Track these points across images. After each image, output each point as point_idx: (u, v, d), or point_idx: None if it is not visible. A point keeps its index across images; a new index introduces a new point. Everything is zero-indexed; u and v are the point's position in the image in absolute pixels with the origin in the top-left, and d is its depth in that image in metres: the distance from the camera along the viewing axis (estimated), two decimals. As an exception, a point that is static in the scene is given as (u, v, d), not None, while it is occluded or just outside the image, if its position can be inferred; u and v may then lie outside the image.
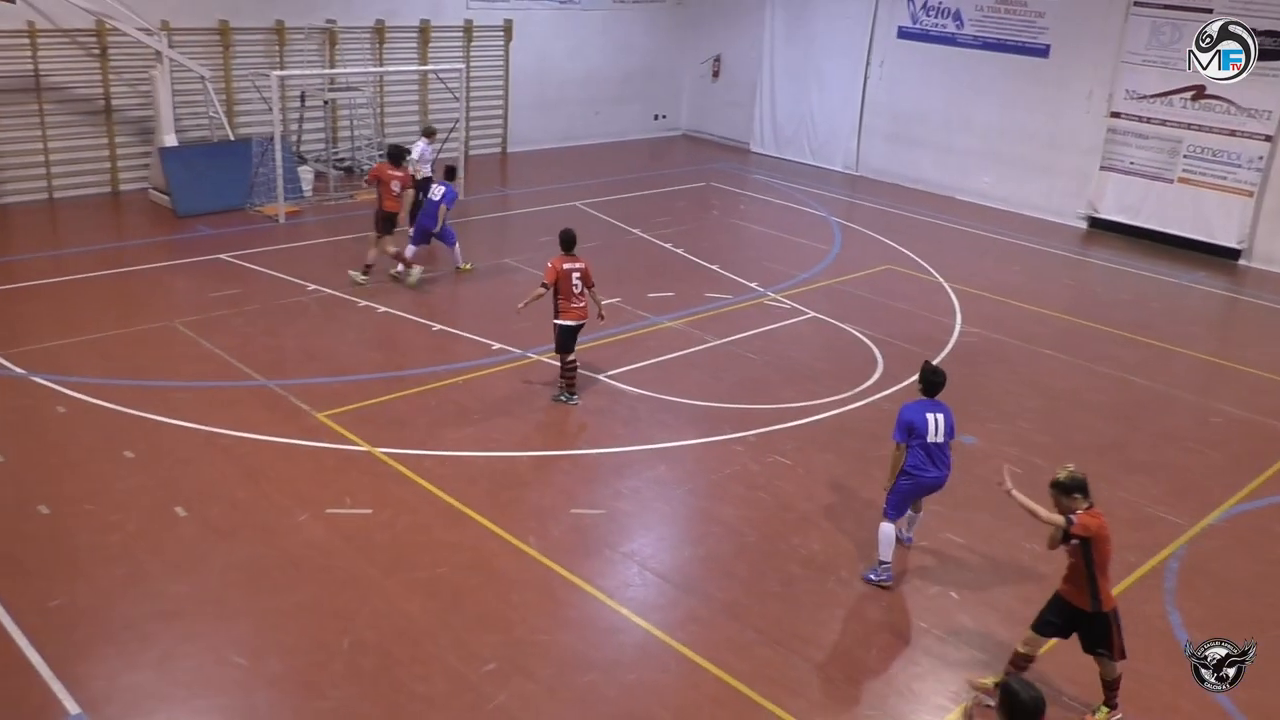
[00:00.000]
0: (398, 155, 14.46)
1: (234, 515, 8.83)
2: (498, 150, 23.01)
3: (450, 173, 15.01)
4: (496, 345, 12.43)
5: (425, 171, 16.68)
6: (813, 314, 14.33)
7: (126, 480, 9.24)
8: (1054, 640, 7.24)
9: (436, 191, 14.46)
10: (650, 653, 7.56)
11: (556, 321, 11.08)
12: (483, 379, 11.71)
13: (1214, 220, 18.53)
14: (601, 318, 11.45)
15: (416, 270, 14.35)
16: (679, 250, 16.76)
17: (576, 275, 10.96)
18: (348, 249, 15.49)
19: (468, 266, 15.00)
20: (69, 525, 8.53)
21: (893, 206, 20.63)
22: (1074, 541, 6.70)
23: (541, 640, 7.54)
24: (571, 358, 11.25)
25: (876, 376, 12.42)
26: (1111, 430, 11.61)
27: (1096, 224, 19.98)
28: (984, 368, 12.94)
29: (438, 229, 14.43)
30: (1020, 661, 7.09)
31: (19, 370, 11.14)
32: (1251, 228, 18.24)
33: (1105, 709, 7.11)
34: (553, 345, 11.32)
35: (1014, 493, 6.92)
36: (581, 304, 11.06)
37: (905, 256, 17.30)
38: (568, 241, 11.08)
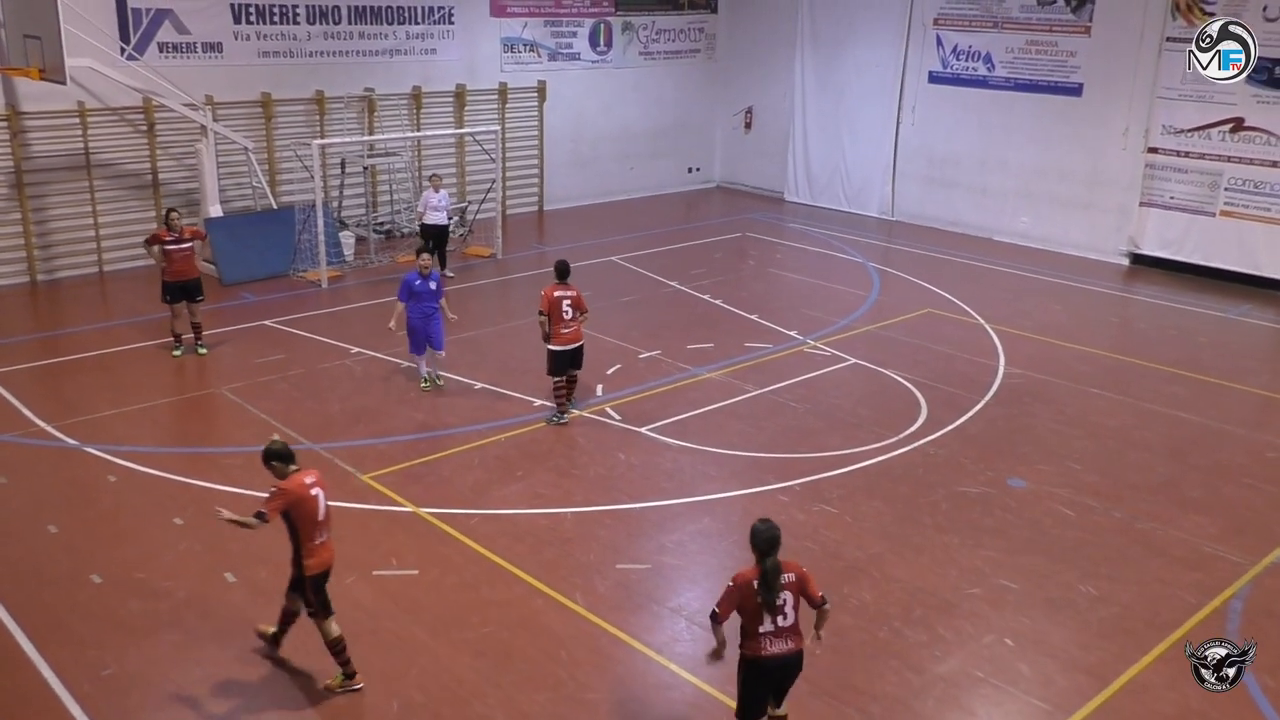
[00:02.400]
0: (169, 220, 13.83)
1: (281, 579, 8.79)
2: (534, 209, 23.27)
3: None
4: (538, 402, 12.47)
5: (436, 219, 17.05)
6: (854, 360, 14.25)
7: (176, 547, 9.34)
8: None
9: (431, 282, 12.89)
10: (702, 708, 7.47)
11: (549, 347, 11.74)
12: (525, 436, 11.75)
13: (1259, 252, 18.27)
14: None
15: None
16: (717, 301, 16.79)
17: (567, 302, 11.70)
18: (389, 312, 15.62)
19: (437, 382, 13.06)
20: (121, 593, 8.62)
21: (930, 250, 20.56)
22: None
23: (591, 699, 7.47)
24: (560, 380, 11.90)
25: (921, 421, 12.30)
26: (1164, 468, 11.38)
27: (1139, 260, 19.76)
28: (1030, 408, 12.77)
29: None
30: (285, 617, 7.68)
31: (71, 441, 11.34)
32: (1299, 258, 17.99)
33: (342, 676, 7.40)
34: (545, 369, 11.94)
35: (224, 513, 7.28)
36: (571, 329, 11.74)
37: (945, 300, 17.20)
38: (562, 271, 11.87)
